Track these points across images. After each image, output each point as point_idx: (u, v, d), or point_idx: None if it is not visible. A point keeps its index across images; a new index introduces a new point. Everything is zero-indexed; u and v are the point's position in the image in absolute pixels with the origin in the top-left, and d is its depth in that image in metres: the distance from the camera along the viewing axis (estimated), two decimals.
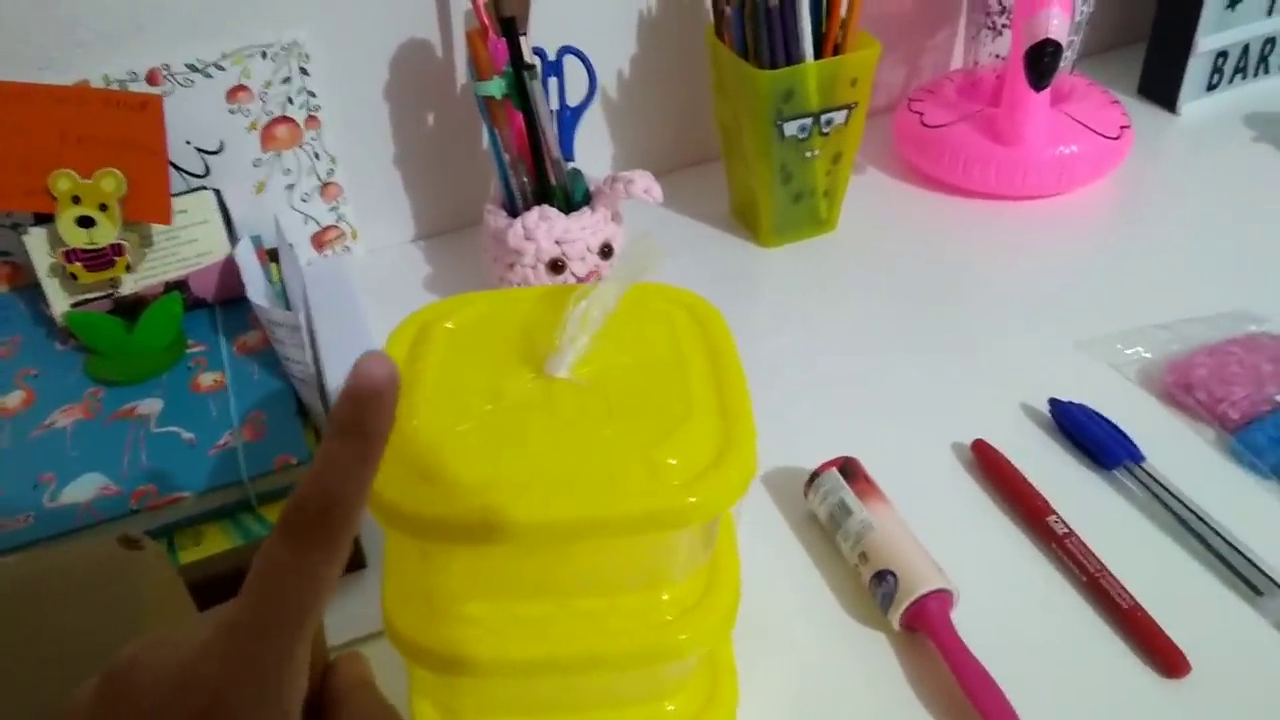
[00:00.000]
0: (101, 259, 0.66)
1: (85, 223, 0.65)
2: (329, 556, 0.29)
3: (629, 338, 0.43)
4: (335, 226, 0.82)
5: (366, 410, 0.28)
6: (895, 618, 0.52)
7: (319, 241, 0.82)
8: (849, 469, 0.58)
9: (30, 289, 0.70)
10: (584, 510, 0.37)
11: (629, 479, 0.37)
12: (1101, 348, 0.71)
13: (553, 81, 0.73)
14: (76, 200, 0.64)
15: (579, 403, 0.40)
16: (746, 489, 0.38)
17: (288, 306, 0.66)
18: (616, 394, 0.41)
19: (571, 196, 0.73)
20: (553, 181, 0.72)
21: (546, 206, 0.70)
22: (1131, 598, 0.53)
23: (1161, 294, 0.75)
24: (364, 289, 0.80)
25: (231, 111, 0.73)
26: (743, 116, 0.78)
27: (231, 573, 0.31)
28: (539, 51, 0.71)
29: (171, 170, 0.68)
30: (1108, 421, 0.63)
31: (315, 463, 0.29)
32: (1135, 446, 0.62)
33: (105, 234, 0.65)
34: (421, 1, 0.76)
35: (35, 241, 0.65)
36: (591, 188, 0.73)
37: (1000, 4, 0.85)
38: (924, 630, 0.52)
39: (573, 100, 0.74)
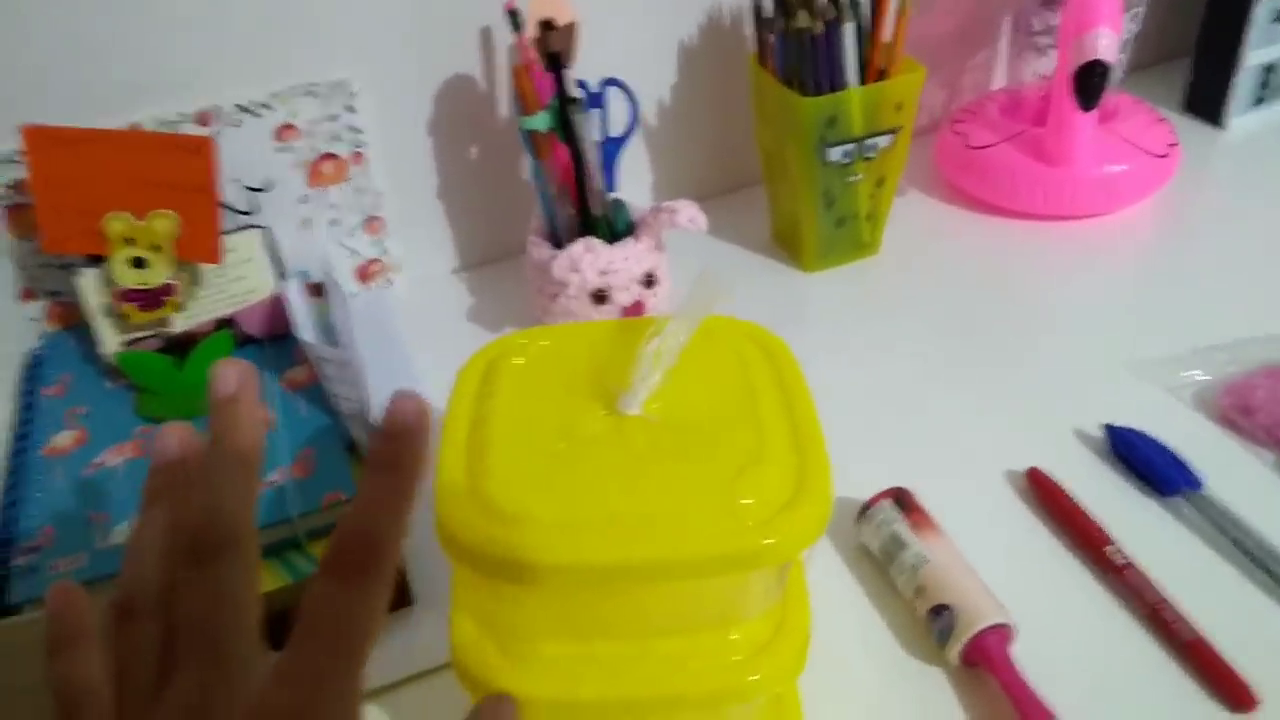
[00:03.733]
0: (153, 299, 0.66)
1: (138, 263, 0.66)
2: (373, 591, 0.30)
3: (698, 372, 0.43)
4: (379, 259, 0.83)
5: (400, 447, 0.30)
6: (954, 653, 0.51)
7: (363, 274, 0.83)
8: (902, 500, 0.57)
9: (81, 328, 0.71)
10: (660, 552, 0.36)
11: (705, 520, 0.37)
12: (1156, 371, 0.69)
13: (594, 112, 0.73)
14: (130, 241, 0.65)
15: (652, 440, 0.40)
16: (824, 529, 0.38)
17: (335, 342, 0.66)
18: (689, 431, 0.40)
19: (615, 227, 0.73)
20: (596, 213, 0.72)
21: (591, 238, 0.70)
22: (1194, 629, 0.52)
23: (1216, 314, 0.74)
24: (407, 321, 0.81)
25: (279, 150, 0.74)
26: (785, 143, 0.78)
27: (281, 612, 0.31)
28: (581, 84, 0.72)
29: (221, 209, 0.69)
30: (1164, 447, 0.62)
31: (354, 501, 0.30)
32: (1193, 473, 0.60)
33: (157, 275, 0.66)
34: (465, 39, 0.77)
35: (87, 283, 0.66)
36: (634, 217, 0.73)
37: (1045, 24, 0.84)
38: (983, 666, 0.51)
39: (615, 131, 0.74)
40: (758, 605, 0.40)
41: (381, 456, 0.30)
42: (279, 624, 0.31)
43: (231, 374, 0.32)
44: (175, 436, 0.35)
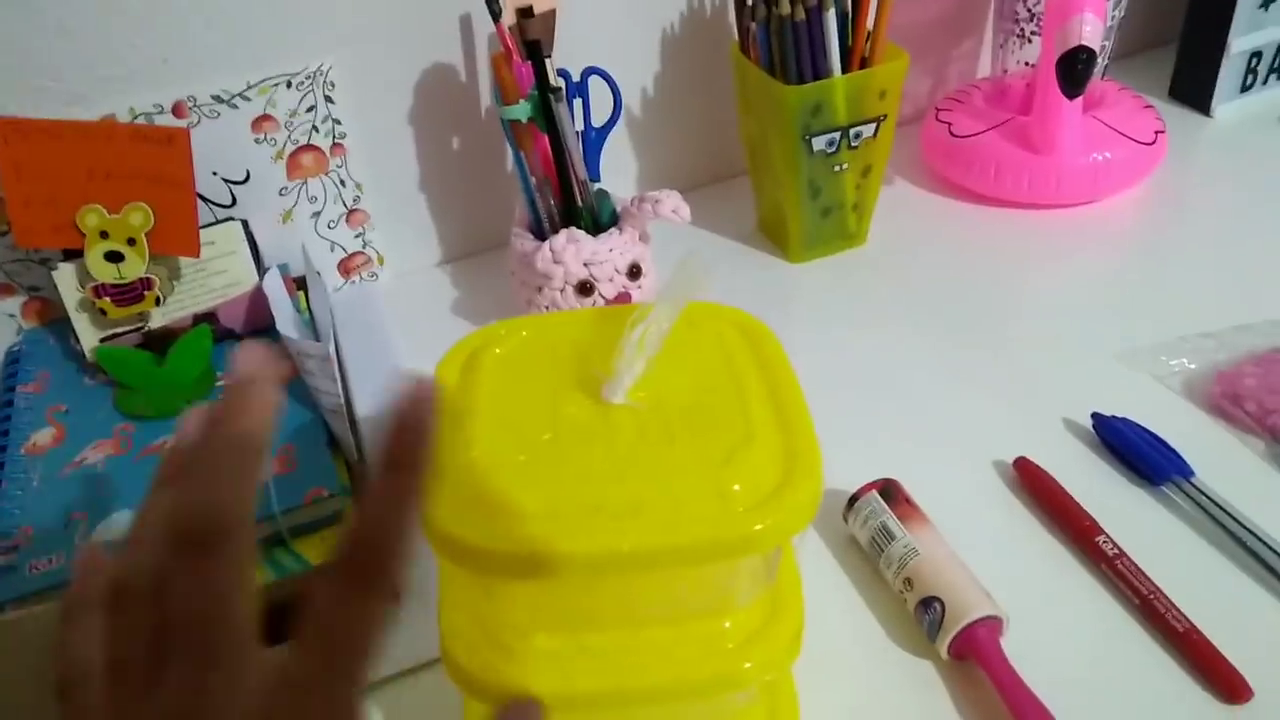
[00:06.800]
0: (130, 293, 0.65)
1: (114, 257, 0.64)
2: (383, 595, 0.29)
3: (682, 359, 0.42)
4: (361, 253, 0.82)
5: (408, 443, 0.29)
6: (943, 646, 0.50)
7: (345, 268, 0.82)
8: (890, 491, 0.57)
9: (60, 324, 0.70)
10: (650, 540, 0.36)
11: (694, 506, 0.36)
12: (1144, 359, 0.69)
13: (577, 102, 0.72)
14: (105, 235, 0.64)
15: (638, 428, 0.39)
16: (815, 512, 0.37)
17: (316, 336, 0.65)
18: (675, 418, 0.40)
19: (598, 218, 0.72)
20: (579, 203, 0.71)
21: (574, 229, 0.69)
22: (1187, 620, 0.51)
23: (1204, 302, 0.74)
24: (391, 315, 0.80)
25: (258, 141, 0.73)
26: (769, 132, 0.77)
27: (265, 608, 0.30)
28: (563, 73, 0.71)
29: (199, 201, 0.68)
30: (1153, 435, 0.62)
31: (363, 501, 0.30)
32: (1183, 461, 0.60)
33: (134, 268, 0.65)
34: (445, 27, 0.76)
35: (64, 277, 0.65)
36: (618, 208, 0.72)
37: (1029, 11, 0.83)
38: (974, 659, 0.50)
39: (597, 121, 0.73)
40: (750, 592, 0.39)
41: (389, 454, 0.29)
42: (263, 620, 0.31)
43: (255, 355, 0.31)
44: (197, 421, 0.33)
